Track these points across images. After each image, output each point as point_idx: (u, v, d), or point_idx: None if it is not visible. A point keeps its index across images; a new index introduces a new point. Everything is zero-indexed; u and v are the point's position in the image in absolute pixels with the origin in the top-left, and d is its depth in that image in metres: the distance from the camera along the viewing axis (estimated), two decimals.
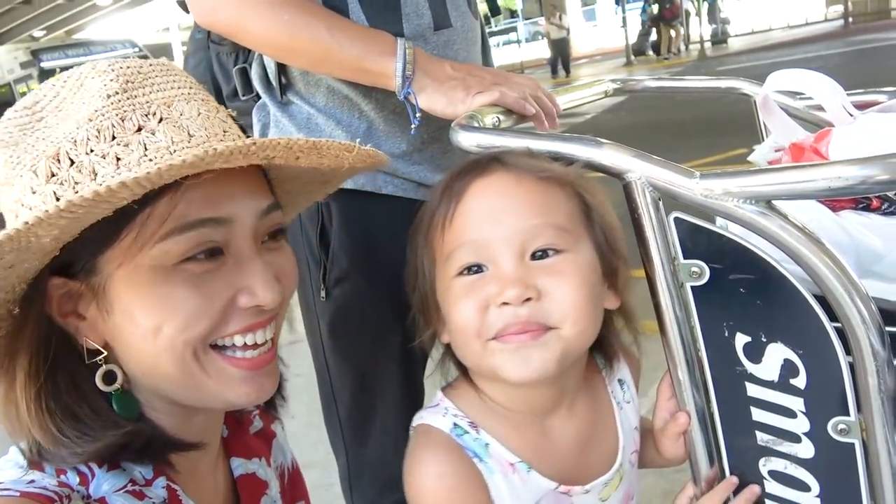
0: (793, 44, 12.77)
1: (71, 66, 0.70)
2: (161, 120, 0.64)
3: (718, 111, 7.29)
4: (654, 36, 15.80)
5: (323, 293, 1.06)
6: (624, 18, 15.85)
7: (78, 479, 0.63)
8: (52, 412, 0.64)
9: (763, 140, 1.14)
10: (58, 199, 0.60)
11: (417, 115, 0.94)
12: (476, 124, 0.81)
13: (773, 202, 0.59)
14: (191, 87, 0.69)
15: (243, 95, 1.20)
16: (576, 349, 0.70)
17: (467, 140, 0.76)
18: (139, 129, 0.63)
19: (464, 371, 0.77)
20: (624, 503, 0.80)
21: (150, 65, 0.69)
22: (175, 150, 0.63)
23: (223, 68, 1.24)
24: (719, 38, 15.48)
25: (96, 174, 0.61)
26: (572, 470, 0.76)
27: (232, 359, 0.67)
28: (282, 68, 1.06)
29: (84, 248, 0.63)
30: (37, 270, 0.64)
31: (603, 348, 0.80)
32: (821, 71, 0.97)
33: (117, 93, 0.64)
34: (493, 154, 0.73)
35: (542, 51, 24.65)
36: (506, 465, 0.72)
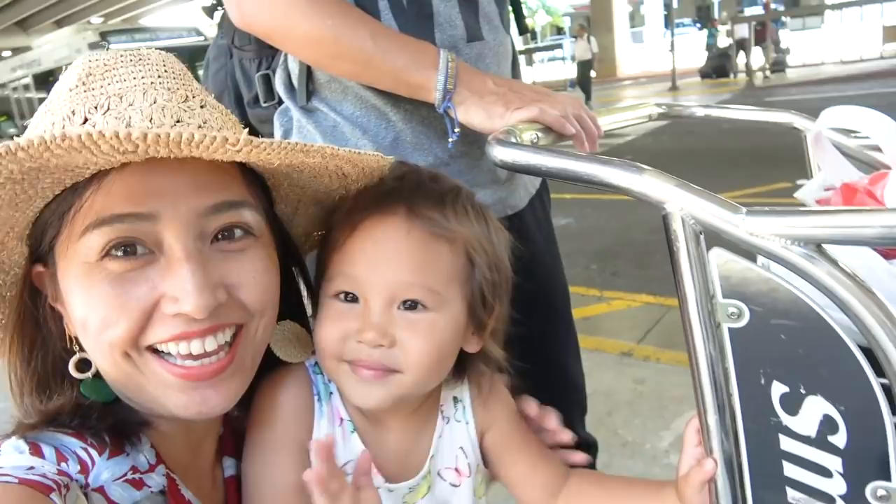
0: (846, 79, 12.48)
1: (72, 63, 0.70)
2: (107, 111, 0.64)
3: (764, 142, 7.15)
4: (741, 57, 15.53)
5: None
6: (672, 42, 15.67)
7: (78, 468, 0.62)
8: (31, 386, 0.69)
9: (811, 177, 1.09)
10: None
11: (456, 129, 0.92)
12: (514, 139, 0.79)
13: (823, 246, 0.56)
14: (159, 76, 0.67)
15: (264, 102, 1.20)
16: (413, 393, 0.77)
17: (503, 155, 0.73)
18: (84, 121, 0.63)
19: None
20: None
21: (122, 56, 0.68)
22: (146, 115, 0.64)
23: (245, 74, 1.24)
24: (777, 68, 15.30)
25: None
26: (389, 464, 0.81)
27: (167, 364, 0.64)
28: (308, 74, 1.05)
29: (45, 233, 0.65)
30: (23, 253, 0.68)
31: (454, 368, 0.84)
32: (877, 109, 0.92)
33: (76, 85, 0.65)
34: (406, 192, 0.77)
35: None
36: (337, 417, 0.80)
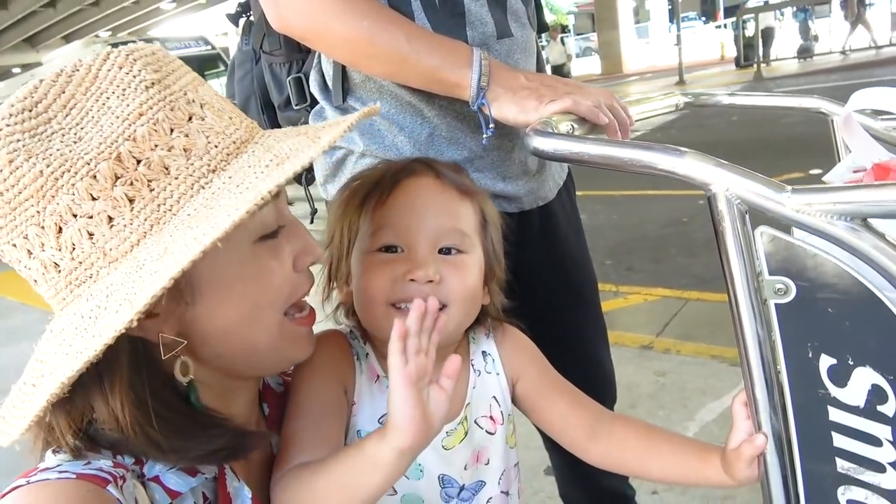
0: (853, 67, 12.40)
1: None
2: (202, 105, 0.66)
3: (774, 133, 7.13)
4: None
5: None
6: (678, 37, 15.61)
7: (133, 459, 0.64)
8: (150, 424, 0.62)
9: (839, 161, 1.10)
10: (131, 201, 0.59)
11: (490, 125, 0.94)
12: (550, 130, 0.81)
13: (868, 220, 0.57)
14: (189, 71, 0.70)
15: (296, 104, 1.23)
16: (457, 327, 0.85)
17: (544, 145, 0.75)
18: (190, 118, 0.64)
19: (357, 323, 0.91)
20: (475, 464, 0.89)
21: (154, 52, 0.67)
22: (230, 133, 0.67)
23: (276, 78, 1.27)
24: (805, 55, 15.49)
25: (168, 168, 0.61)
26: None
27: (298, 320, 0.75)
28: (343, 75, 1.07)
29: None
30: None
31: (475, 326, 0.94)
32: None
33: (154, 83, 0.63)
34: (425, 161, 0.90)
35: (594, 66, 24.52)
36: (374, 374, 0.88)
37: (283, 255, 0.72)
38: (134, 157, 0.60)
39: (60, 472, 0.59)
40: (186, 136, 0.63)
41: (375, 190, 0.86)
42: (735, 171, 0.61)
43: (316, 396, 0.82)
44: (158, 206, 0.61)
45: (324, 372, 0.84)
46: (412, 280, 0.81)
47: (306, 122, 1.20)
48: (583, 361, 1.26)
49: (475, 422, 0.90)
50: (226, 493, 0.71)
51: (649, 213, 5.23)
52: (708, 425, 2.41)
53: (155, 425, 0.62)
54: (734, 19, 16.93)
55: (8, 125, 0.60)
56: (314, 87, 1.13)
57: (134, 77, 0.62)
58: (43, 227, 0.60)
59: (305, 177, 1.29)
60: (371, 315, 0.85)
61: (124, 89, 0.62)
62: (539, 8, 1.22)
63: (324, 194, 1.18)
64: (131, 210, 0.60)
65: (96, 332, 0.56)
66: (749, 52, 15.36)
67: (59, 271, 0.61)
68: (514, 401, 0.95)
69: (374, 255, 0.84)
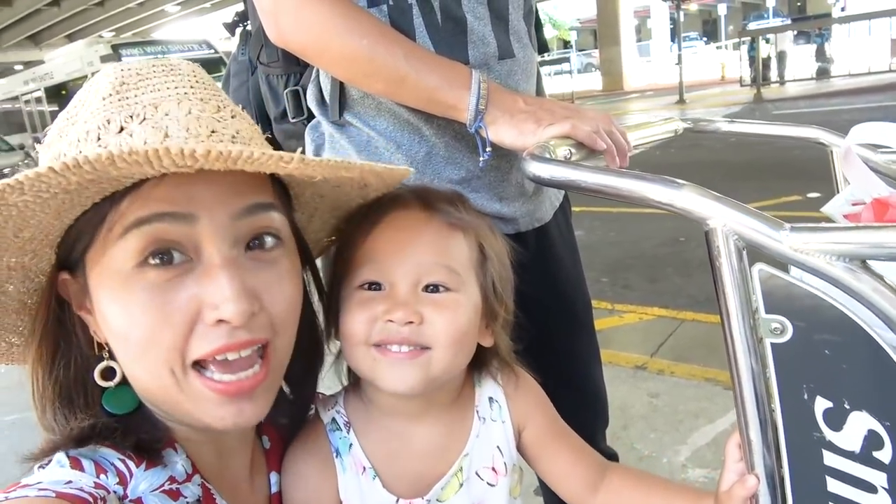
0: (855, 92, 12.48)
1: (102, 70, 0.70)
2: (143, 121, 0.63)
3: (771, 155, 7.17)
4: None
5: None
6: (679, 56, 15.73)
7: (117, 479, 0.63)
8: (52, 398, 0.67)
9: (838, 192, 1.10)
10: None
11: (487, 148, 0.93)
12: (548, 155, 0.80)
13: (867, 262, 0.56)
14: (191, 87, 0.68)
15: (293, 117, 1.21)
16: (443, 373, 0.79)
17: (540, 171, 0.74)
18: (121, 130, 0.63)
19: (355, 376, 0.87)
20: None
21: (154, 66, 0.68)
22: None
23: (273, 90, 1.25)
24: (823, 77, 16.12)
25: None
26: (419, 479, 0.83)
27: (209, 380, 0.64)
28: (341, 90, 1.06)
29: (77, 242, 0.64)
30: (50, 261, 0.67)
31: (482, 370, 0.90)
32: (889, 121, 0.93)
33: (110, 94, 0.65)
34: (416, 192, 0.84)
35: (595, 82, 24.69)
36: (359, 466, 0.83)
37: (174, 297, 0.61)
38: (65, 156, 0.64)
39: (40, 489, 0.57)
40: (106, 147, 0.62)
41: (364, 221, 0.82)
42: (733, 207, 0.60)
43: None
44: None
45: (309, 491, 0.81)
46: (390, 321, 0.76)
47: (302, 135, 1.18)
48: (576, 383, 1.24)
49: (476, 473, 0.85)
50: None
51: (646, 231, 5.23)
52: (700, 449, 2.39)
53: (53, 395, 0.67)
54: (736, 40, 17.22)
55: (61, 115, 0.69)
56: (311, 101, 1.12)
57: (102, 86, 0.67)
58: None
59: None
60: (352, 357, 0.80)
61: (93, 95, 0.67)
62: (539, 27, 1.21)
63: None
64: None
65: None
66: (763, 73, 15.77)
67: None
68: (518, 449, 0.90)
69: (355, 292, 0.80)
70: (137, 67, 0.67)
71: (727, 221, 0.60)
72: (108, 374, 0.68)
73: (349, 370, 0.87)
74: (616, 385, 2.88)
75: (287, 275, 0.69)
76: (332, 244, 0.92)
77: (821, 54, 16.97)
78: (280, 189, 0.73)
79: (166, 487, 0.65)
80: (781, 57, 16.74)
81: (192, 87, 0.68)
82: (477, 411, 0.87)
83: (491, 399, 0.89)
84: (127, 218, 0.60)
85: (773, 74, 16.80)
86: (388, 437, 0.84)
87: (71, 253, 0.65)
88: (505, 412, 0.88)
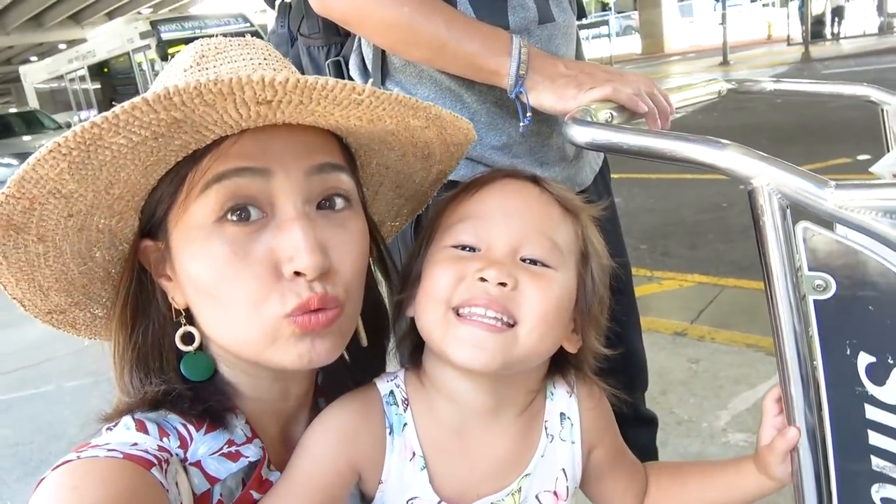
0: None
1: (188, 38, 0.73)
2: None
3: (818, 117, 6.91)
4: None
5: None
6: (723, 15, 15.17)
7: (178, 443, 0.66)
8: (131, 362, 0.70)
9: (888, 151, 1.07)
10: None
11: (528, 114, 0.93)
12: (589, 119, 0.80)
13: None
14: (265, 59, 0.70)
15: None
16: (525, 356, 0.69)
17: (581, 135, 0.75)
18: None
19: (417, 358, 0.78)
20: None
21: (231, 42, 0.71)
22: None
23: (314, 62, 1.27)
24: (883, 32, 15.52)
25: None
26: (469, 488, 0.75)
27: (295, 320, 0.65)
28: (383, 58, 1.08)
29: (159, 205, 0.66)
30: (134, 227, 0.69)
31: (556, 380, 0.81)
32: None
33: (191, 66, 0.68)
34: (534, 175, 0.79)
35: (634, 45, 24.01)
36: (409, 451, 0.74)
37: (252, 248, 0.64)
38: None
39: (109, 450, 0.60)
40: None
41: (466, 188, 0.77)
42: (777, 165, 0.60)
43: (314, 473, 0.71)
44: None
45: (333, 447, 0.72)
46: (482, 280, 0.68)
47: None
48: (616, 346, 1.26)
49: (535, 497, 0.77)
50: (262, 478, 0.71)
51: (687, 197, 5.14)
52: (741, 414, 2.39)
53: (132, 359, 0.70)
54: None
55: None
56: (353, 70, 1.14)
57: (183, 59, 0.70)
58: None
59: None
60: (427, 320, 0.71)
61: (174, 69, 0.71)
62: None
63: None
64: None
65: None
66: (819, 29, 15.20)
67: None
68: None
69: (446, 250, 0.73)
70: (216, 42, 0.70)
71: (771, 180, 0.61)
72: (188, 339, 0.71)
73: (411, 352, 0.80)
74: (655, 351, 2.88)
75: (355, 236, 0.71)
76: (395, 230, 0.93)
77: (881, 8, 16.20)
78: (349, 159, 0.75)
79: (225, 451, 0.68)
80: (837, 12, 15.98)
81: (265, 58, 0.70)
82: (546, 428, 0.79)
83: (563, 416, 0.80)
84: (207, 174, 0.63)
85: (828, 32, 16.10)
86: (447, 431, 0.75)
87: (153, 216, 0.68)
88: (577, 432, 0.80)
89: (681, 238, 4.41)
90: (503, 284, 0.68)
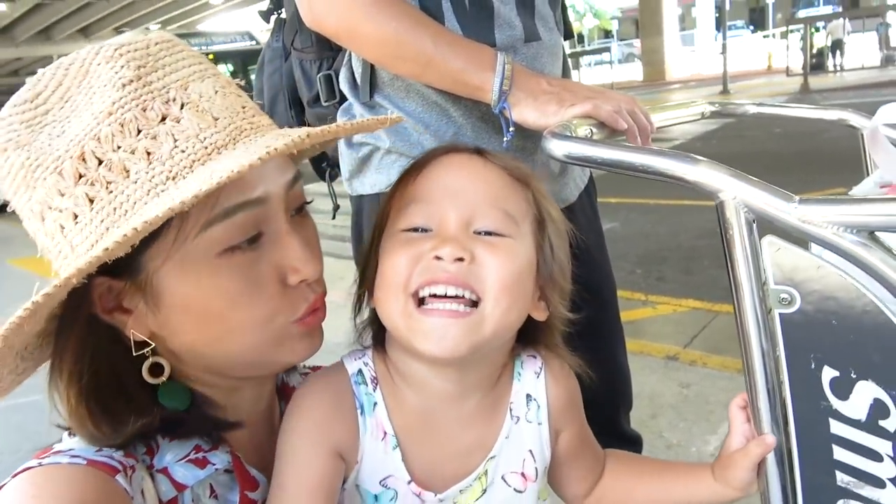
0: None
1: (109, 54, 0.64)
2: (182, 105, 0.62)
3: (816, 146, 6.96)
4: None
5: None
6: (724, 45, 15.36)
7: (145, 449, 0.65)
8: (91, 411, 0.63)
9: (868, 175, 1.09)
10: (91, 201, 0.59)
11: (511, 129, 0.95)
12: (568, 134, 0.82)
13: (876, 233, 0.57)
14: (200, 63, 0.68)
15: (325, 101, 1.26)
16: (493, 334, 0.68)
17: (558, 148, 0.76)
18: (163, 119, 0.61)
19: (381, 338, 0.77)
20: None
21: (156, 43, 0.65)
22: (205, 138, 0.61)
23: (306, 75, 1.30)
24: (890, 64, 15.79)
25: (128, 171, 0.59)
26: (438, 470, 0.75)
27: (298, 322, 0.70)
28: (371, 72, 1.10)
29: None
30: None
31: (528, 351, 0.81)
32: None
33: (132, 80, 0.61)
34: (474, 146, 0.78)
35: (636, 72, 24.27)
36: (380, 431, 0.73)
37: (260, 271, 0.65)
38: (96, 157, 0.59)
39: (72, 456, 0.59)
40: (154, 138, 0.60)
41: (411, 170, 0.76)
42: (743, 180, 0.62)
43: (303, 474, 0.70)
44: (114, 209, 0.59)
45: (311, 439, 0.71)
46: (437, 258, 0.67)
47: (334, 119, 1.22)
48: (600, 359, 1.26)
49: (502, 478, 0.77)
50: (249, 476, 0.71)
51: (683, 223, 5.16)
52: None
53: (85, 404, 0.63)
54: (784, 29, 16.83)
55: (10, 114, 0.63)
56: (343, 84, 1.16)
57: (115, 73, 0.61)
58: (32, 212, 0.63)
59: (329, 173, 1.32)
60: (389, 311, 0.70)
61: (104, 85, 0.61)
62: (564, 12, 1.23)
63: (349, 190, 1.20)
64: (91, 209, 0.60)
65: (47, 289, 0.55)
66: (821, 62, 15.42)
67: (49, 253, 0.64)
68: None
69: (399, 234, 0.71)
70: (144, 46, 0.64)
71: (738, 194, 0.62)
72: (155, 370, 0.67)
73: (375, 334, 0.79)
74: (646, 375, 2.87)
75: (315, 228, 0.75)
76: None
77: (885, 42, 16.56)
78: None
79: (192, 456, 0.67)
80: (837, 45, 16.41)
81: (200, 63, 0.68)
82: (510, 409, 0.78)
83: (529, 397, 0.79)
84: (205, 211, 0.60)
85: (829, 64, 16.43)
86: (414, 413, 0.75)
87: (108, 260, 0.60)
88: (543, 413, 0.79)
89: (676, 263, 4.42)
90: (460, 260, 0.67)
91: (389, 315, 0.71)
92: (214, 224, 0.61)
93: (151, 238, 0.59)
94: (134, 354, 0.65)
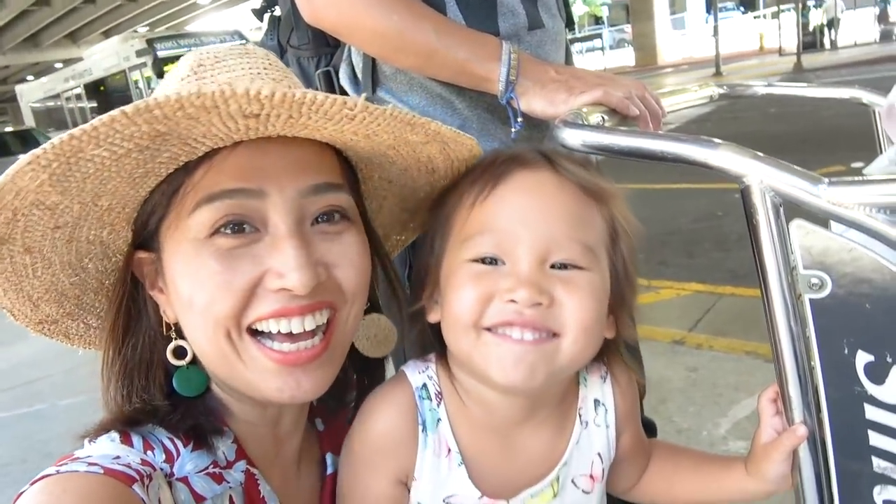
0: None
1: (184, 56, 0.72)
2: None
3: (811, 126, 6.96)
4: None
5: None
6: (715, 27, 15.32)
7: (164, 457, 0.65)
8: (117, 375, 0.69)
9: (880, 152, 1.07)
10: None
11: (519, 119, 0.93)
12: (580, 122, 0.80)
13: None
14: (265, 68, 0.69)
15: None
16: (569, 366, 0.67)
17: (573, 137, 0.74)
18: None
19: (443, 352, 0.75)
20: None
21: (231, 49, 0.70)
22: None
23: (304, 73, 1.28)
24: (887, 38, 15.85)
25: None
26: (508, 481, 0.74)
27: (266, 348, 0.65)
28: (373, 66, 1.07)
29: (151, 216, 0.66)
30: (127, 239, 0.69)
31: (591, 365, 0.79)
32: None
33: (188, 75, 0.68)
34: (542, 151, 0.72)
35: (627, 58, 24.21)
36: (443, 447, 0.72)
37: (240, 263, 0.63)
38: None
39: (89, 464, 0.59)
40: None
41: (477, 183, 0.71)
42: (769, 163, 0.60)
43: (361, 499, 0.72)
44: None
45: (377, 469, 0.71)
46: (512, 301, 0.64)
47: None
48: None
49: (572, 481, 0.77)
50: (259, 497, 0.70)
51: (683, 206, 5.15)
52: (741, 422, 2.37)
53: (119, 372, 0.68)
54: (775, 9, 16.84)
55: None
56: (344, 79, 1.14)
57: (181, 68, 0.71)
58: None
59: None
60: (458, 342, 0.68)
61: (173, 77, 0.70)
62: (566, 3, 1.21)
63: None
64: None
65: None
66: (811, 41, 15.66)
67: None
68: None
69: (466, 265, 0.68)
70: (214, 51, 0.70)
71: (764, 178, 0.60)
72: (179, 353, 0.69)
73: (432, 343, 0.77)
74: (653, 360, 2.86)
75: (356, 246, 0.69)
76: (401, 244, 0.91)
77: (883, 17, 16.59)
78: (349, 173, 0.73)
79: (210, 470, 0.67)
80: (831, 23, 16.48)
81: (265, 68, 0.69)
82: (580, 415, 0.77)
83: (597, 402, 0.79)
84: (199, 192, 0.62)
85: (825, 41, 16.49)
86: (481, 429, 0.74)
87: (146, 227, 0.67)
88: (612, 417, 0.79)
89: (677, 247, 4.41)
90: (538, 304, 0.64)
91: (462, 351, 0.69)
92: (202, 206, 0.63)
93: (164, 210, 0.65)
94: (164, 335, 0.70)
